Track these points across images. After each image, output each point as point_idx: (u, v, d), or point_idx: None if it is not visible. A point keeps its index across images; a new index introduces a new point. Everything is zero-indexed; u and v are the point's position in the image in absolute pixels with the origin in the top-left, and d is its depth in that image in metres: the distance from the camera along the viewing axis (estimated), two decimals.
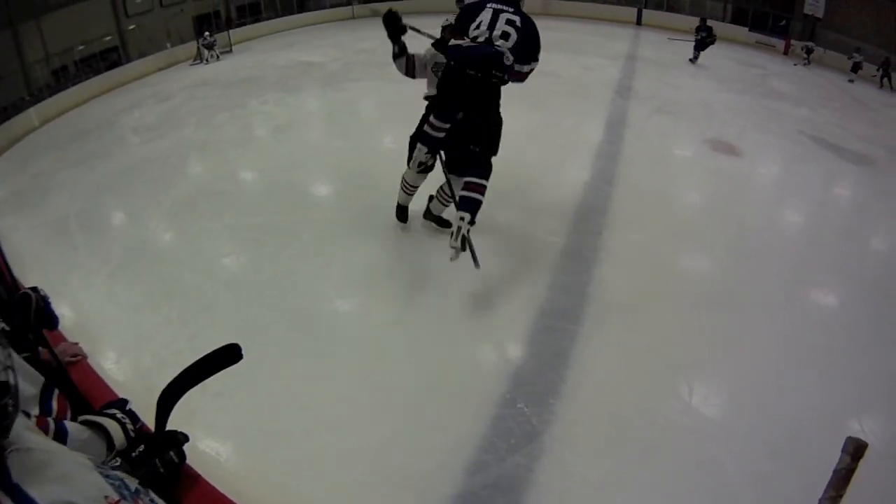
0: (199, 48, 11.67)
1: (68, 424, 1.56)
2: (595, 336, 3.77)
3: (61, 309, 2.53)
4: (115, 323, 3.70)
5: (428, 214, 4.57)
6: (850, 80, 14.13)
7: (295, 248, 4.45)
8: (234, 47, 12.52)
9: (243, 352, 1.80)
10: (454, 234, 3.75)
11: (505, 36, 3.65)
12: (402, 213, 4.63)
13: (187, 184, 5.53)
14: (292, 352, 3.50)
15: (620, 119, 8.04)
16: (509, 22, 3.68)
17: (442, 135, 3.88)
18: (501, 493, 2.77)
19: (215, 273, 4.27)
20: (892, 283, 4.73)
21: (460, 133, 3.86)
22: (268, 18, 14.99)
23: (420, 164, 4.12)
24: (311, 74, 9.41)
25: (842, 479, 1.84)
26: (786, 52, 16.21)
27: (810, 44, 15.58)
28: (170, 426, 2.69)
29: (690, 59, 12.63)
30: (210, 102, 7.81)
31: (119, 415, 1.75)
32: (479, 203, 3.84)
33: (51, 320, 2.11)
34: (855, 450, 1.83)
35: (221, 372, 3.21)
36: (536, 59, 3.86)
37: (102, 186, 5.63)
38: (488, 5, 3.75)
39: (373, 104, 8.06)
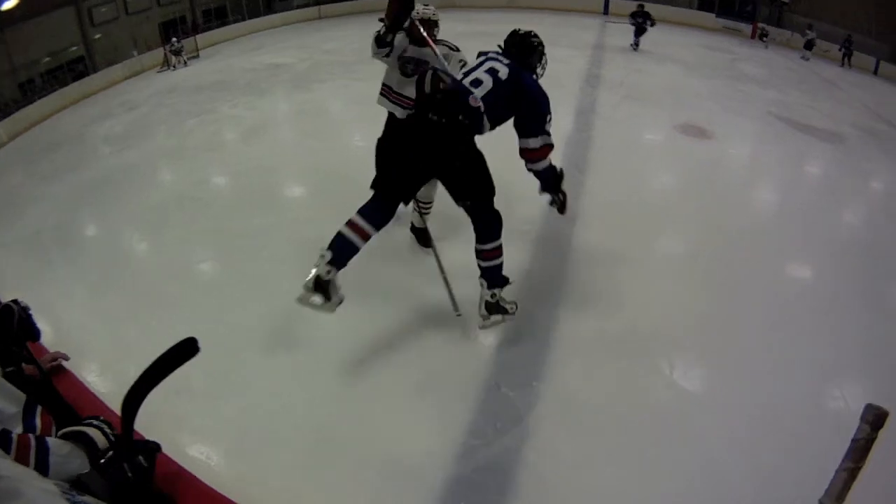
0: (166, 55, 11.59)
1: (49, 440, 1.56)
2: (574, 318, 3.82)
3: (40, 325, 2.53)
4: (95, 335, 3.67)
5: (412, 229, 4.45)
6: (804, 58, 14.39)
7: (272, 249, 4.45)
8: (201, 52, 12.45)
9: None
10: (480, 305, 3.41)
11: (476, 83, 3.06)
12: (419, 236, 4.29)
13: (160, 192, 5.50)
14: (276, 352, 3.52)
15: (590, 107, 8.13)
16: (491, 70, 3.11)
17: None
18: (492, 475, 2.81)
19: (194, 279, 4.27)
20: (866, 255, 4.88)
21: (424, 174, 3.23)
22: (234, 22, 14.89)
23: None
24: (279, 76, 9.38)
25: (861, 449, 1.74)
26: (753, 37, 16.44)
27: (765, 26, 15.87)
28: (158, 435, 2.74)
29: (632, 46, 12.76)
30: (179, 109, 7.76)
31: (96, 422, 1.76)
32: (499, 267, 3.35)
33: (33, 332, 2.12)
34: (875, 418, 1.74)
35: (209, 377, 3.26)
36: (543, 131, 3.17)
37: (75, 199, 5.58)
38: (483, 55, 3.28)
39: (341, 103, 8.08)
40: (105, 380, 3.38)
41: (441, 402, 3.15)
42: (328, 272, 2.96)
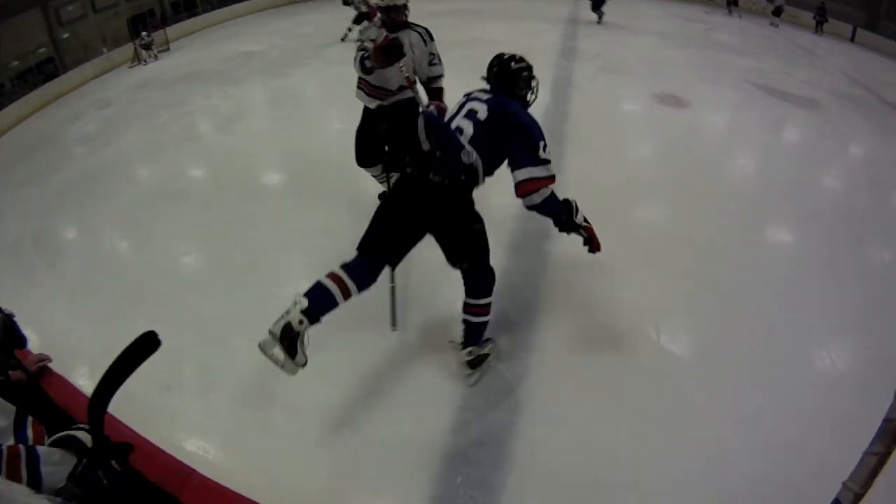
0: (136, 50, 11.40)
1: (40, 449, 1.55)
2: (559, 288, 3.86)
3: (26, 332, 2.51)
4: (82, 337, 3.63)
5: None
6: (772, 24, 14.41)
7: (254, 238, 4.43)
8: (172, 45, 12.25)
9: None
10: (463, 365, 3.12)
11: (458, 131, 2.79)
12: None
13: (138, 188, 5.45)
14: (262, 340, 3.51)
15: (566, 80, 8.12)
16: (469, 113, 2.84)
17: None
18: (487, 448, 2.85)
19: (178, 273, 4.25)
20: (848, 219, 4.97)
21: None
22: (204, 11, 14.67)
23: None
24: (252, 64, 9.28)
25: (893, 431, 1.58)
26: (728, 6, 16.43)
27: None
28: (154, 432, 2.74)
29: (597, 21, 12.65)
30: (152, 103, 7.66)
31: (84, 425, 1.74)
32: (483, 326, 3.06)
33: (19, 339, 2.09)
34: None
35: (199, 370, 3.25)
36: (538, 161, 2.79)
37: (53, 202, 5.50)
38: (465, 97, 3.02)
39: (316, 88, 8.02)
40: (95, 381, 3.35)
41: (431, 379, 3.17)
42: (300, 322, 2.56)
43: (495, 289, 3.05)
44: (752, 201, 5.18)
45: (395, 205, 2.86)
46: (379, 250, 2.84)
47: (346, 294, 2.71)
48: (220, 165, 5.76)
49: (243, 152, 6.04)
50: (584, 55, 9.44)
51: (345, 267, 2.77)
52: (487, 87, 3.02)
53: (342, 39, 10.40)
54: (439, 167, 2.71)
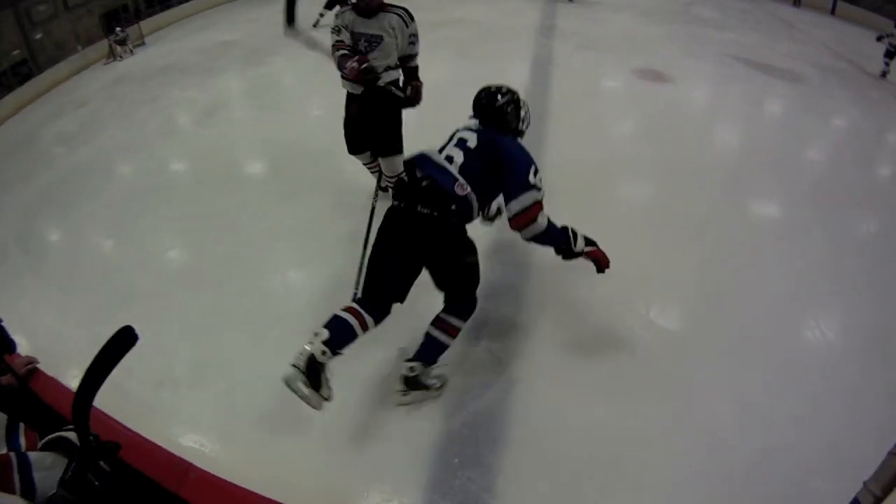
0: (110, 46, 11.21)
1: (31, 455, 1.55)
2: (544, 265, 3.87)
3: (14, 336, 2.50)
4: (73, 340, 3.58)
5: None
6: None
7: (238, 229, 4.42)
8: (147, 38, 12.06)
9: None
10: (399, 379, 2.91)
11: (449, 160, 2.75)
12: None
13: (119, 186, 5.39)
14: (253, 330, 3.53)
15: (546, 58, 8.09)
16: (460, 142, 2.83)
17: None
18: (482, 428, 2.87)
19: (164, 268, 4.23)
20: (831, 190, 5.04)
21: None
22: (179, 3, 14.44)
23: None
24: (229, 54, 9.17)
25: None
26: None
27: None
28: (149, 429, 2.73)
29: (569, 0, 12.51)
30: (130, 99, 7.57)
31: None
32: (442, 348, 2.89)
33: (9, 344, 2.07)
34: None
35: (191, 365, 3.24)
36: (529, 186, 2.71)
37: (35, 205, 5.42)
38: (455, 129, 3.00)
39: (295, 75, 7.94)
40: None
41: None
42: (322, 353, 2.52)
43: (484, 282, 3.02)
44: (736, 175, 5.23)
45: (386, 241, 2.79)
46: (382, 293, 2.78)
47: (364, 327, 2.68)
48: (200, 158, 5.71)
49: (224, 144, 5.99)
50: (563, 33, 9.39)
51: (358, 302, 2.77)
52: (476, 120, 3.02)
53: (314, 25, 10.30)
54: (427, 198, 2.65)
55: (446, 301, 2.89)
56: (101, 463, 1.62)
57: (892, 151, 6.27)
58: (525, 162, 2.76)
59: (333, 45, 3.81)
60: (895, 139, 6.44)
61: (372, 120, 3.95)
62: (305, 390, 2.48)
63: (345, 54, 3.72)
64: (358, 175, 4.46)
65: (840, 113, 6.98)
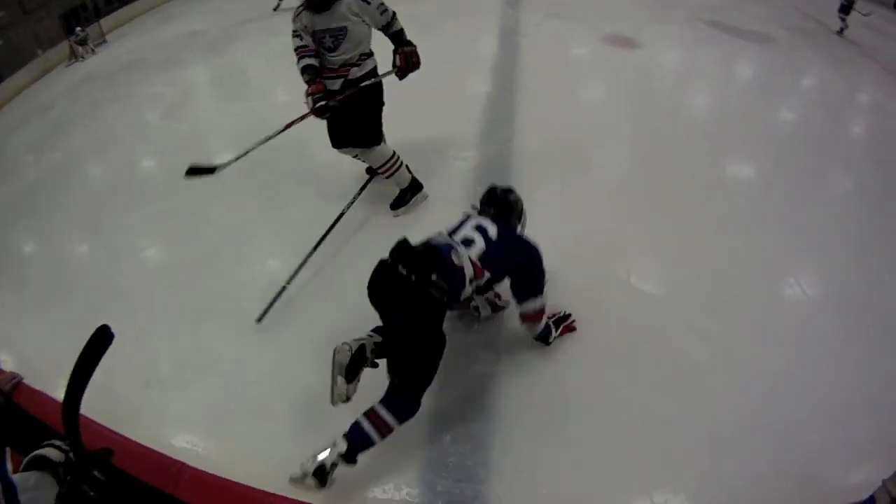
0: (72, 47, 11.01)
1: (15, 478, 1.52)
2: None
3: None
4: (55, 349, 3.44)
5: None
6: None
7: (214, 222, 4.38)
8: (108, 36, 11.86)
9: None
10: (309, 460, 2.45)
11: (467, 242, 2.70)
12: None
13: (91, 188, 5.30)
14: (236, 324, 3.51)
15: (513, 28, 8.00)
16: (479, 228, 2.77)
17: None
18: (470, 403, 2.89)
19: (142, 268, 4.18)
20: (805, 149, 5.07)
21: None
22: None
23: None
24: (194, 44, 9.02)
25: None
26: None
27: None
28: (140, 432, 2.71)
29: None
30: (95, 99, 7.43)
31: (58, 442, 1.71)
32: (366, 445, 2.49)
33: None
34: None
35: (177, 364, 3.22)
36: (541, 291, 2.85)
37: (7, 214, 5.32)
38: (462, 215, 2.96)
39: (261, 61, 7.83)
40: None
41: None
42: (333, 465, 2.42)
43: None
44: (710, 138, 5.26)
45: (375, 303, 2.67)
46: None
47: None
48: (171, 153, 5.58)
49: (193, 136, 5.91)
50: (530, 2, 9.20)
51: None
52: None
53: (275, 9, 10.18)
54: (411, 261, 2.53)
55: (388, 391, 2.57)
56: (95, 472, 1.62)
57: (863, 109, 6.29)
58: (542, 269, 2.85)
59: (296, 51, 3.73)
60: (866, 98, 6.46)
61: (350, 113, 3.85)
62: (312, 485, 2.41)
63: (306, 67, 3.69)
64: (332, 161, 4.40)
65: (810, 72, 6.99)
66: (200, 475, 2.50)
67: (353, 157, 4.22)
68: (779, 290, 3.61)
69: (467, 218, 2.87)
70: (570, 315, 3.19)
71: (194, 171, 3.80)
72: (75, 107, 7.50)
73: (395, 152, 4.09)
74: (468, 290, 2.66)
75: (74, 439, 1.60)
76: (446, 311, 2.64)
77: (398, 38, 3.75)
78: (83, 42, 10.97)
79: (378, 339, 2.70)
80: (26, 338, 3.73)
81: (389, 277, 2.55)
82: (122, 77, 8.24)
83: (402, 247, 2.60)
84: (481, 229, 2.75)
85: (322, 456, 2.41)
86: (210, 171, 3.83)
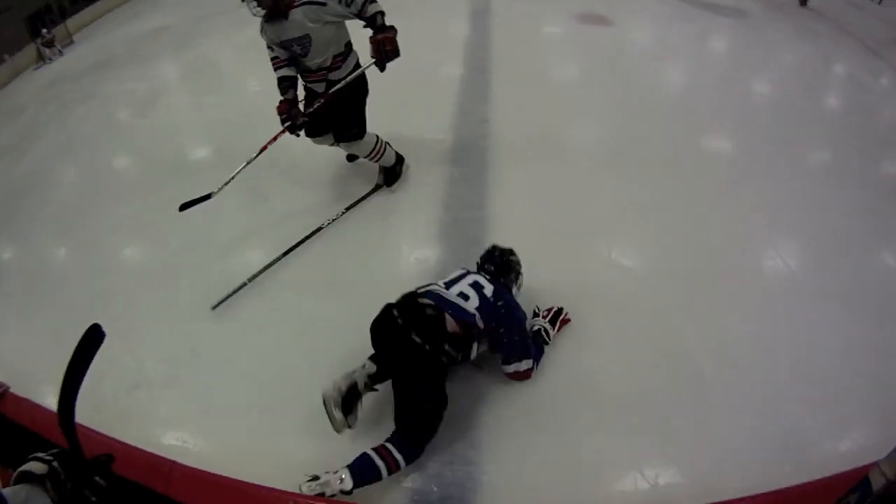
0: (38, 49, 10.82)
1: (6, 492, 1.51)
2: (502, 217, 3.96)
3: None
4: (41, 356, 3.42)
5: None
6: None
7: (192, 218, 4.29)
8: (75, 37, 11.63)
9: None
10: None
11: (463, 296, 2.79)
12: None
13: (66, 191, 5.22)
14: (219, 318, 3.52)
15: (484, 9, 7.95)
16: (476, 285, 2.85)
17: None
18: (459, 385, 2.93)
19: (122, 268, 4.15)
20: (782, 122, 5.12)
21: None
22: None
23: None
24: (162, 40, 8.89)
25: None
26: None
27: None
28: (130, 433, 2.70)
29: None
30: (65, 101, 7.29)
31: (41, 454, 1.71)
32: (374, 478, 2.49)
33: None
34: None
35: (162, 363, 3.21)
36: (526, 354, 2.84)
37: None
38: (462, 269, 3.05)
39: (230, 52, 7.71)
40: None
41: None
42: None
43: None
44: (687, 113, 5.28)
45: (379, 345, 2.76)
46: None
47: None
48: (145, 150, 5.55)
49: (167, 132, 5.82)
50: None
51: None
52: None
53: (242, 0, 10.04)
54: (424, 328, 2.60)
55: (395, 433, 2.60)
56: (97, 478, 1.64)
57: (839, 82, 6.29)
58: (527, 331, 2.92)
59: (272, 62, 3.73)
60: (842, 70, 6.44)
61: (333, 109, 3.82)
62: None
63: (280, 79, 3.73)
64: (309, 150, 4.36)
65: (785, 46, 6.95)
66: (192, 472, 2.49)
67: (330, 145, 4.17)
68: (760, 263, 3.66)
69: (465, 273, 2.96)
70: (562, 309, 3.19)
71: (189, 205, 3.78)
72: (45, 110, 7.37)
73: (377, 136, 4.07)
74: (475, 351, 2.78)
75: (72, 441, 1.62)
76: None
77: (372, 23, 3.57)
78: (50, 44, 10.76)
79: (373, 369, 2.73)
80: (9, 346, 3.68)
81: (400, 338, 2.60)
82: (91, 77, 8.11)
83: (413, 309, 2.69)
84: (477, 286, 2.84)
85: (325, 489, 2.40)
86: (206, 198, 3.81)
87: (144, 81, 7.26)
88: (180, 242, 4.18)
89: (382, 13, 3.56)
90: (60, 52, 10.80)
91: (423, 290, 2.84)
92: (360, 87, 3.87)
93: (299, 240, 3.94)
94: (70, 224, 4.72)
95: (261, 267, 3.78)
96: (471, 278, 2.90)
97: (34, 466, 1.61)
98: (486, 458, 2.67)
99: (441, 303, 2.70)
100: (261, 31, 3.67)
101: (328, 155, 4.55)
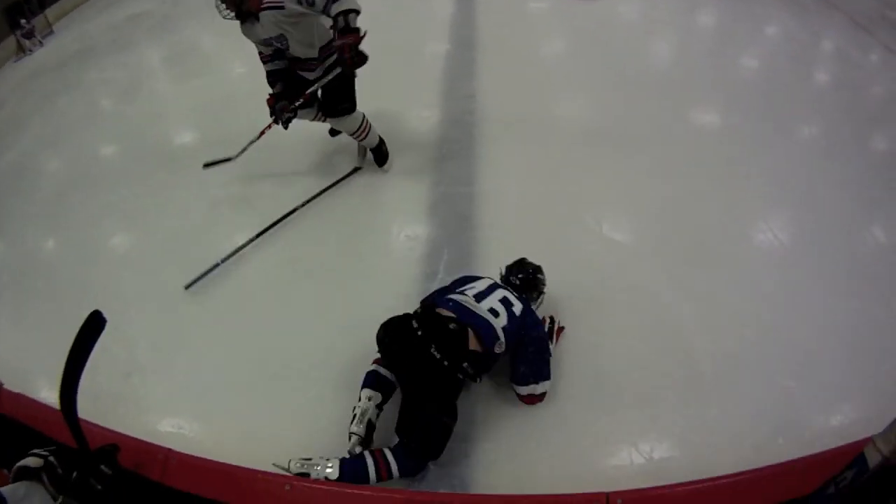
0: (18, 41, 10.66)
1: (4, 490, 1.54)
2: (492, 192, 3.95)
3: None
4: (32, 350, 3.49)
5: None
6: None
7: (177, 203, 4.33)
8: (55, 26, 11.46)
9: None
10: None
11: (493, 313, 2.68)
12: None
13: (51, 182, 5.15)
14: (207, 302, 3.54)
15: None
16: (505, 301, 2.76)
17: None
18: None
19: (110, 256, 4.12)
20: (770, 96, 5.09)
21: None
22: None
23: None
24: (143, 25, 8.77)
25: None
26: None
27: None
28: (125, 422, 2.70)
29: None
30: (47, 91, 7.20)
31: (36, 450, 1.72)
32: (361, 480, 2.44)
33: None
34: None
35: (154, 349, 3.21)
36: (543, 376, 2.75)
37: None
38: (489, 279, 2.95)
39: (212, 35, 7.55)
40: (56, 391, 3.28)
41: (385, 302, 3.13)
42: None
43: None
44: (674, 86, 5.24)
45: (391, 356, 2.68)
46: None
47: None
48: (129, 137, 5.48)
49: (151, 118, 5.75)
50: None
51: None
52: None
53: None
54: (446, 344, 2.52)
55: (399, 444, 2.56)
56: (103, 467, 1.72)
57: (828, 58, 6.23)
58: (549, 352, 2.81)
59: (259, 57, 3.77)
60: (830, 46, 6.37)
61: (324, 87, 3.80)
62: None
63: (267, 73, 3.81)
64: (293, 129, 4.32)
65: (772, 19, 6.86)
66: (187, 459, 2.49)
67: (310, 120, 4.13)
68: (750, 236, 3.67)
69: (494, 286, 2.86)
70: (553, 319, 3.07)
71: (212, 164, 4.10)
72: (27, 102, 7.27)
73: (364, 115, 4.04)
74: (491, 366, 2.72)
75: (74, 429, 1.64)
76: None
77: (335, 24, 3.39)
78: (30, 35, 10.59)
79: (379, 399, 2.68)
80: (1, 342, 3.66)
81: (418, 351, 2.51)
82: (72, 66, 8.01)
83: (434, 322, 2.60)
84: (507, 303, 2.75)
85: (310, 471, 2.40)
86: (227, 160, 4.08)
87: (126, 69, 7.19)
88: (167, 229, 4.16)
89: (347, 12, 3.32)
90: (41, 43, 10.63)
91: (447, 298, 2.76)
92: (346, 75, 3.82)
93: (273, 221, 3.94)
94: (56, 216, 4.67)
95: (252, 247, 3.80)
96: (499, 293, 2.80)
97: (30, 461, 1.62)
98: (481, 435, 2.68)
99: (467, 317, 2.62)
100: (243, 33, 3.67)
101: (316, 131, 4.55)
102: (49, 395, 3.08)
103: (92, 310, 1.73)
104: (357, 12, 3.36)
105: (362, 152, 4.36)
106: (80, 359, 1.62)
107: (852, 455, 1.51)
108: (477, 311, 2.65)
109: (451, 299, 2.73)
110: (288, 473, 2.40)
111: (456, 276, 3.15)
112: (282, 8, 3.39)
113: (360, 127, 4.02)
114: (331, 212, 4.04)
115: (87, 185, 4.91)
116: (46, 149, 5.74)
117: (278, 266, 3.72)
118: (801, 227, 3.75)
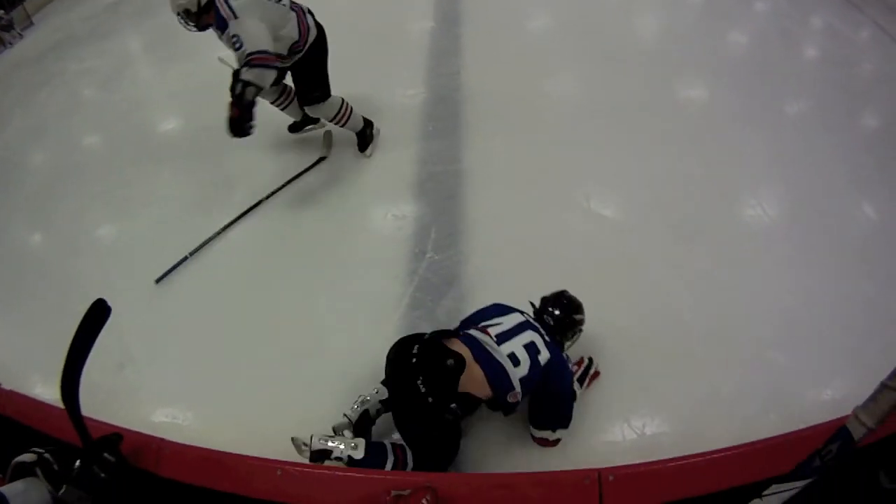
0: None
1: (4, 489, 1.55)
2: (478, 169, 3.94)
3: None
4: (22, 346, 3.54)
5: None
6: None
7: (165, 190, 4.33)
8: (34, 18, 11.29)
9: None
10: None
11: (513, 359, 2.41)
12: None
13: (35, 175, 5.11)
14: (197, 291, 3.55)
15: None
16: (531, 347, 2.47)
17: None
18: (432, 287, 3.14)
19: (97, 247, 4.12)
20: (759, 71, 5.06)
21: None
22: None
23: None
24: (121, 12, 8.66)
25: None
26: None
27: None
28: (119, 413, 2.72)
29: None
30: (27, 84, 7.10)
31: (37, 449, 1.74)
32: (378, 465, 2.45)
33: None
34: None
35: (146, 339, 3.21)
36: (562, 425, 2.58)
37: None
38: (519, 314, 2.65)
39: None
40: (52, 386, 3.26)
41: (375, 282, 3.30)
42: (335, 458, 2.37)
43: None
44: (663, 61, 5.19)
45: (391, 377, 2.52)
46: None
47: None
48: (112, 126, 5.45)
49: (133, 106, 5.72)
50: None
51: None
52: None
53: None
54: (434, 380, 2.31)
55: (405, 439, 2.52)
56: (106, 455, 1.77)
57: (819, 34, 6.17)
58: (572, 401, 2.59)
59: None
60: (820, 23, 6.29)
61: (294, 71, 3.82)
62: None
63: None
64: (271, 109, 4.31)
65: None
66: (181, 448, 2.49)
67: (271, 101, 4.13)
68: (740, 211, 3.68)
69: (523, 328, 2.55)
70: (592, 361, 2.87)
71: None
72: (8, 95, 7.18)
73: (343, 99, 4.00)
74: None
75: (76, 419, 1.70)
76: None
77: (233, 88, 3.46)
78: (8, 27, 10.43)
79: (385, 394, 2.61)
80: None
81: (406, 378, 2.35)
82: (52, 57, 7.90)
83: (434, 353, 2.39)
84: (532, 350, 2.47)
85: (333, 448, 2.37)
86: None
87: (107, 57, 7.11)
88: (152, 218, 4.16)
89: (247, 84, 3.37)
90: (20, 35, 10.48)
91: (467, 333, 2.55)
92: (319, 48, 3.79)
93: (243, 210, 3.96)
94: (41, 209, 4.65)
95: (239, 235, 3.84)
96: (527, 336, 2.50)
97: (25, 456, 1.64)
98: (475, 415, 2.68)
99: (482, 359, 2.40)
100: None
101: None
102: (42, 390, 3.10)
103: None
104: (258, 88, 3.40)
105: (328, 141, 4.36)
106: (84, 347, 1.64)
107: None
108: (494, 355, 2.41)
109: (471, 335, 2.51)
110: (305, 447, 2.38)
111: (445, 255, 3.16)
112: (222, 31, 3.53)
113: (338, 112, 4.00)
114: (319, 191, 4.05)
115: (72, 175, 4.89)
116: (30, 142, 5.68)
117: (266, 253, 3.72)
118: (791, 203, 3.74)
